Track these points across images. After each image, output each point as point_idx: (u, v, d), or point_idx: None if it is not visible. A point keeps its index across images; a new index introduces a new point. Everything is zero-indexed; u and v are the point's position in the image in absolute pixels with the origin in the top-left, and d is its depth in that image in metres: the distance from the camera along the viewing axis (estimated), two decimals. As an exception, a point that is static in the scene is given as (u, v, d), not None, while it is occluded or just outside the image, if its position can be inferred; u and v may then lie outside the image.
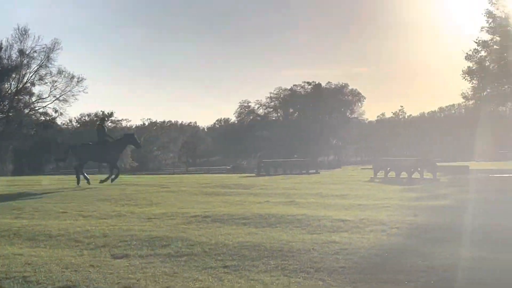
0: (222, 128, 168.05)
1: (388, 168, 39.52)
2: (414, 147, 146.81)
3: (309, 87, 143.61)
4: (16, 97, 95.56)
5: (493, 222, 14.17)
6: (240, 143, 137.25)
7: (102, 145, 30.81)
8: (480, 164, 71.00)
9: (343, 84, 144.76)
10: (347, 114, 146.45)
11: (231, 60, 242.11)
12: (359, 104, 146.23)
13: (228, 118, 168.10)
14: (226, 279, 8.76)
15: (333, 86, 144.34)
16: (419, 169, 37.07)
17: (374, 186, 29.87)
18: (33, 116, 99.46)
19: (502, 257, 9.96)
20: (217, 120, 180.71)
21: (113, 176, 30.98)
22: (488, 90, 58.57)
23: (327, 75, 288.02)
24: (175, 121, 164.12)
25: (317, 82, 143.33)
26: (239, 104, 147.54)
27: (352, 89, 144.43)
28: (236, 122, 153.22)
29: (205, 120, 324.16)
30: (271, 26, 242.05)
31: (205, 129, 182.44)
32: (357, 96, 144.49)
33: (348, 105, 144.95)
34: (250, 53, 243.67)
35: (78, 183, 30.08)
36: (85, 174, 30.49)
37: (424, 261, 9.64)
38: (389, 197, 21.94)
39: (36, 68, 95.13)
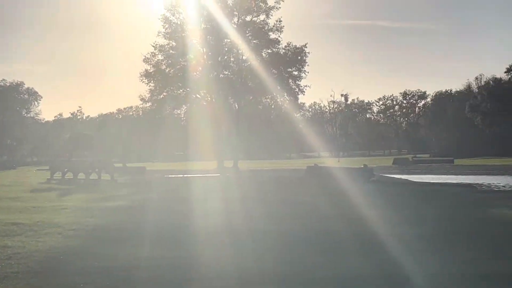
0: None
1: (66, 169, 38.76)
2: (93, 148, 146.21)
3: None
4: None
5: (167, 221, 14.74)
6: None
7: None
8: (157, 165, 73.71)
9: (19, 82, 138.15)
10: (23, 113, 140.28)
11: None
12: (36, 103, 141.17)
13: None
14: None
15: (8, 84, 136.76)
16: (97, 170, 37.08)
17: (50, 187, 28.99)
18: None
19: (180, 255, 10.35)
20: None
21: None
22: (164, 93, 61.07)
23: None
24: None
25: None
26: None
27: (28, 87, 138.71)
28: None
29: None
30: None
31: None
32: (33, 95, 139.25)
33: (24, 104, 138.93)
34: None
35: None
36: None
37: (102, 262, 9.53)
38: (66, 198, 21.49)
39: None
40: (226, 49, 62.63)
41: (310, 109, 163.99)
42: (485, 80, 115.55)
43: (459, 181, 31.35)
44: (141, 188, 28.90)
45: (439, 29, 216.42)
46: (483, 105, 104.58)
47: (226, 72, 63.80)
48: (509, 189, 25.66)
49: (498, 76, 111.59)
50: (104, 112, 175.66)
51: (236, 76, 62.86)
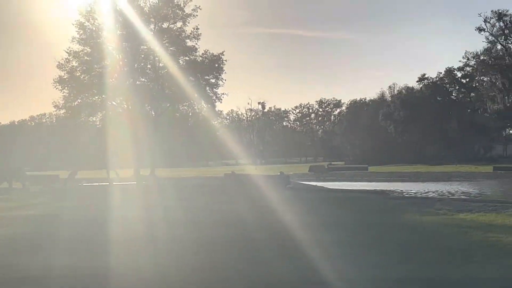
0: None
1: (-25, 178, 37.30)
2: (4, 156, 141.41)
3: None
4: None
5: (81, 230, 14.43)
6: None
7: None
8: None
9: None
10: None
11: None
12: None
13: None
14: None
15: None
16: (8, 178, 35.89)
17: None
18: None
19: (95, 264, 10.16)
20: None
21: None
22: (79, 100, 59.79)
23: None
24: None
25: None
26: None
27: None
28: None
29: None
30: None
31: None
32: None
33: None
34: None
35: None
36: None
37: (13, 274, 9.26)
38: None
39: None
40: (142, 56, 62.06)
41: (228, 117, 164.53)
42: (398, 89, 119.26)
43: (373, 188, 32.18)
44: (55, 196, 28.15)
45: (354, 38, 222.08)
46: (396, 113, 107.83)
47: (143, 79, 63.24)
48: (420, 195, 26.57)
49: (410, 85, 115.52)
50: (16, 119, 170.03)
51: (153, 83, 62.37)
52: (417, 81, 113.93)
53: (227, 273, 9.26)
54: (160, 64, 62.19)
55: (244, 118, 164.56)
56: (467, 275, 8.81)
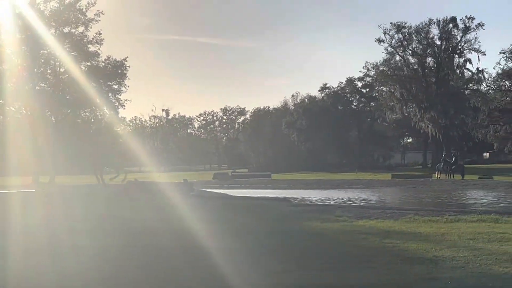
0: None
1: None
2: None
3: None
4: None
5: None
6: None
7: None
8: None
9: None
10: None
11: None
12: None
13: None
14: None
15: None
16: None
17: None
18: None
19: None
20: None
21: None
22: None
23: None
24: None
25: None
26: None
27: None
28: None
29: None
30: None
31: None
32: None
33: None
34: None
35: None
36: None
37: None
38: None
39: None
40: (43, 60, 60.33)
41: (131, 124, 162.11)
42: (300, 98, 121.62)
43: (276, 195, 32.56)
44: None
45: (257, 46, 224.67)
46: (299, 122, 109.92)
47: (43, 84, 61.53)
48: (321, 203, 27.15)
49: (312, 94, 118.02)
50: None
51: (54, 89, 60.70)
52: (319, 90, 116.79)
53: (128, 282, 9.14)
54: (61, 69, 60.68)
55: (148, 125, 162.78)
56: (366, 281, 9.10)
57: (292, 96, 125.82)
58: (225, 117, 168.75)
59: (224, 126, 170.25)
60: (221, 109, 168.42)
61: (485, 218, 16.92)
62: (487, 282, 8.77)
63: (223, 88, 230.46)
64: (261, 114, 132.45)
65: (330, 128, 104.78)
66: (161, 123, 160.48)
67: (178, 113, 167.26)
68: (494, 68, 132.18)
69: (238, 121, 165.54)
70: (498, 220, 16.51)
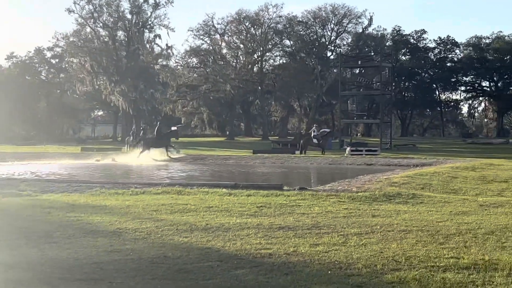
0: None
1: None
2: None
3: None
4: None
5: None
6: None
7: None
8: None
9: None
10: None
11: None
12: None
13: None
14: None
15: None
16: None
17: None
18: None
19: None
20: None
21: None
22: None
23: None
24: None
25: None
26: None
27: None
28: None
29: None
30: None
31: None
32: None
33: None
34: None
35: None
36: None
37: None
38: None
39: None
40: None
41: None
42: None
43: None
44: None
45: None
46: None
47: None
48: (4, 176, 25.59)
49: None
50: None
51: None
52: (5, 59, 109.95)
53: None
54: None
55: None
56: (46, 256, 8.80)
57: None
58: None
59: None
60: None
61: (169, 190, 17.49)
62: (167, 251, 9.06)
63: None
64: None
65: (17, 99, 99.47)
66: None
67: None
68: (182, 45, 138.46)
69: None
70: (181, 192, 17.21)
